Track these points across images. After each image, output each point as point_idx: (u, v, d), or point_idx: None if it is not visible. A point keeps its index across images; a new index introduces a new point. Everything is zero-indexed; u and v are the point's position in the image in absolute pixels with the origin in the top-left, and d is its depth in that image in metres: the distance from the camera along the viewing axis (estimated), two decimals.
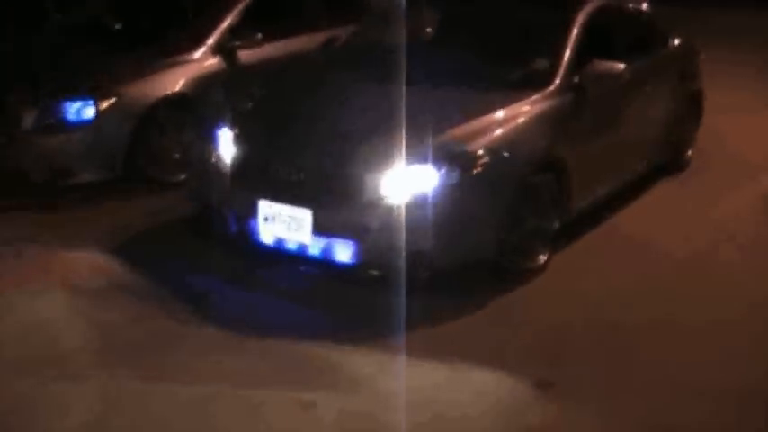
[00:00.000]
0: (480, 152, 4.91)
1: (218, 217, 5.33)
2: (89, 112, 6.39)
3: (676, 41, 7.37)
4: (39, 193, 6.49)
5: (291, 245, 4.98)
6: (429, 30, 6.90)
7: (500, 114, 5.20)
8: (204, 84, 6.93)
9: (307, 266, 5.14)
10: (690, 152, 7.62)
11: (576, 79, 5.63)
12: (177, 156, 6.84)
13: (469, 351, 4.49)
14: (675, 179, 7.32)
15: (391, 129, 4.92)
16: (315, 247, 4.91)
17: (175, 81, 6.81)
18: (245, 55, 7.21)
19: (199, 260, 5.50)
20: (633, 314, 4.96)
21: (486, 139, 4.99)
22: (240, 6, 7.34)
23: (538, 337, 4.70)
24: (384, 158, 4.81)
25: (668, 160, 7.28)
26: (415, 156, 4.78)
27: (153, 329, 4.67)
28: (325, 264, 4.97)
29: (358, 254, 4.82)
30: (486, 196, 4.92)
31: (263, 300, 5.07)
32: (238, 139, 5.31)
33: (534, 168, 5.17)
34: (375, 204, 4.77)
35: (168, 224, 6.16)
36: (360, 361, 4.42)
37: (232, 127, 5.39)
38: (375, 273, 4.92)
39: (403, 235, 4.71)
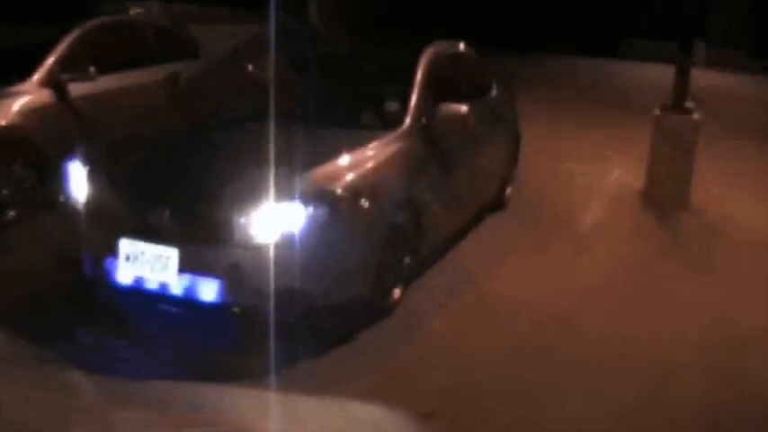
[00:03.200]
0: (342, 191, 5.01)
1: (70, 257, 5.13)
2: None
3: (496, 86, 7.80)
4: None
5: (153, 284, 4.87)
6: (251, 67, 6.96)
7: (359, 154, 5.34)
8: (34, 117, 6.64)
9: (168, 306, 5.02)
10: (509, 190, 8.05)
11: (425, 120, 5.87)
12: (6, 192, 6.50)
13: (343, 386, 4.56)
14: (501, 215, 7.71)
15: (257, 167, 4.94)
16: (178, 286, 4.83)
17: (3, 114, 6.49)
18: (78, 88, 6.97)
19: (51, 307, 5.27)
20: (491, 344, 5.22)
21: (347, 179, 5.10)
22: (69, 39, 7.12)
23: (409, 371, 4.83)
24: (251, 197, 4.81)
25: (492, 198, 7.66)
26: (282, 194, 4.81)
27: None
28: (188, 303, 4.89)
29: (224, 293, 4.79)
30: (350, 234, 5.02)
31: (130, 346, 4.90)
32: (94, 175, 5.15)
33: (392, 206, 5.33)
34: (242, 243, 4.76)
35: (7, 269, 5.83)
36: (233, 399, 4.40)
37: (86, 162, 5.22)
38: (237, 311, 4.91)
39: (271, 274, 4.73)
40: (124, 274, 4.91)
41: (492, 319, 5.54)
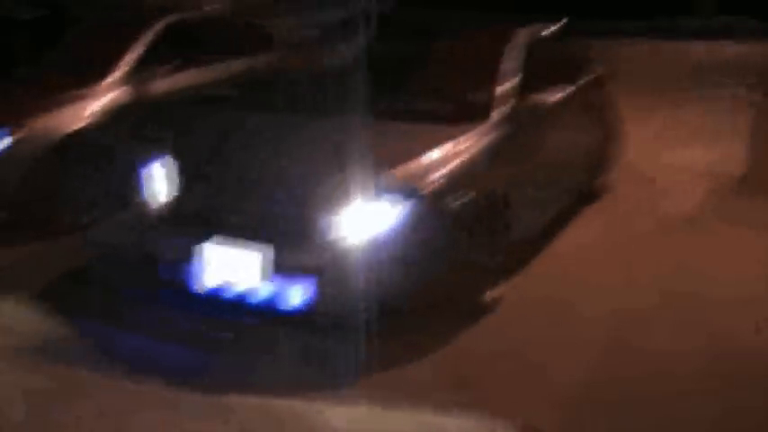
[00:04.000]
0: (430, 188, 4.77)
1: (144, 263, 4.97)
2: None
3: (588, 70, 7.43)
4: None
5: (237, 290, 4.69)
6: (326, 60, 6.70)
7: (443, 149, 5.07)
8: (113, 116, 6.53)
9: (252, 314, 4.83)
10: (604, 178, 7.68)
11: (512, 111, 5.57)
12: (84, 194, 6.39)
13: (440, 393, 4.30)
14: (595, 205, 7.35)
15: (342, 165, 4.71)
16: (263, 292, 4.64)
17: (81, 114, 6.38)
18: (157, 85, 6.84)
19: (120, 313, 5.10)
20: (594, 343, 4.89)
21: (435, 176, 4.86)
22: (149, 34, 7.00)
23: (506, 376, 4.53)
24: (337, 196, 4.59)
25: (586, 187, 7.31)
26: (370, 192, 4.58)
27: (84, 396, 4.25)
28: (272, 309, 4.70)
29: (312, 298, 4.58)
30: (439, 232, 4.75)
31: (209, 354, 4.72)
32: (172, 177, 4.99)
33: (481, 203, 5.05)
34: (329, 245, 4.55)
35: (77, 271, 5.70)
36: (326, 412, 4.16)
37: (163, 164, 5.06)
38: (327, 317, 4.70)
39: (359, 276, 4.51)
40: (206, 279, 4.74)
41: None
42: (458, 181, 4.97)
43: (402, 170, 4.80)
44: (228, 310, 4.83)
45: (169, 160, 5.13)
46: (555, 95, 5.79)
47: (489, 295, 5.24)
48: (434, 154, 5.01)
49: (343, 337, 4.55)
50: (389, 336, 4.74)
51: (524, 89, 5.73)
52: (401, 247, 4.61)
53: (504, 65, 5.80)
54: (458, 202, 4.87)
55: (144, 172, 5.12)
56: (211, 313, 4.92)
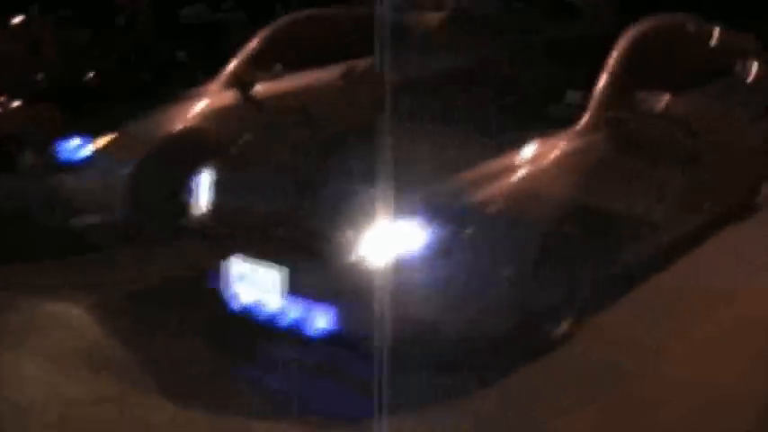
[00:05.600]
0: (485, 204, 4.19)
1: (197, 274, 4.76)
2: (86, 150, 5.91)
3: (750, 66, 6.43)
4: (41, 241, 6.00)
5: (266, 309, 4.35)
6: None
7: (513, 158, 4.46)
8: (215, 119, 6.37)
9: (278, 333, 4.45)
10: (762, 191, 6.65)
11: (614, 114, 4.84)
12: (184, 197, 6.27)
13: None
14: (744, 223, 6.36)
15: (375, 178, 4.23)
16: (290, 312, 4.26)
17: (185, 116, 6.27)
18: (264, 88, 6.62)
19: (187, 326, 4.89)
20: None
21: (492, 189, 4.26)
22: (259, 37, 6.80)
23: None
24: (365, 213, 4.13)
25: (735, 202, 6.35)
26: (402, 210, 4.08)
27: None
28: (301, 331, 4.29)
29: (336, 322, 4.14)
30: (494, 255, 4.16)
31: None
32: (217, 186, 4.74)
33: (553, 220, 4.39)
34: (355, 266, 4.09)
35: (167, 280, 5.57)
36: None
37: (212, 173, 4.82)
38: (352, 345, 4.26)
39: (389, 302, 4.02)
40: (240, 296, 4.44)
41: None
42: (526, 196, 4.36)
43: (449, 182, 4.26)
44: (260, 328, 4.50)
45: (221, 167, 4.89)
46: (683, 94, 5.03)
47: (564, 328, 4.57)
48: (497, 163, 4.41)
49: (368, 368, 4.07)
50: (426, 372, 4.24)
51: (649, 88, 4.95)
52: (440, 270, 4.07)
53: (611, 61, 5.03)
54: (518, 219, 4.26)
55: (198, 178, 4.89)
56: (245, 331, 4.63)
